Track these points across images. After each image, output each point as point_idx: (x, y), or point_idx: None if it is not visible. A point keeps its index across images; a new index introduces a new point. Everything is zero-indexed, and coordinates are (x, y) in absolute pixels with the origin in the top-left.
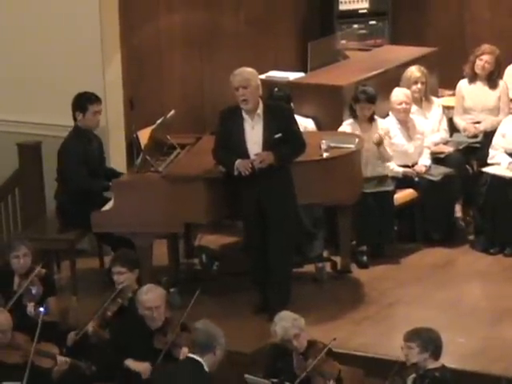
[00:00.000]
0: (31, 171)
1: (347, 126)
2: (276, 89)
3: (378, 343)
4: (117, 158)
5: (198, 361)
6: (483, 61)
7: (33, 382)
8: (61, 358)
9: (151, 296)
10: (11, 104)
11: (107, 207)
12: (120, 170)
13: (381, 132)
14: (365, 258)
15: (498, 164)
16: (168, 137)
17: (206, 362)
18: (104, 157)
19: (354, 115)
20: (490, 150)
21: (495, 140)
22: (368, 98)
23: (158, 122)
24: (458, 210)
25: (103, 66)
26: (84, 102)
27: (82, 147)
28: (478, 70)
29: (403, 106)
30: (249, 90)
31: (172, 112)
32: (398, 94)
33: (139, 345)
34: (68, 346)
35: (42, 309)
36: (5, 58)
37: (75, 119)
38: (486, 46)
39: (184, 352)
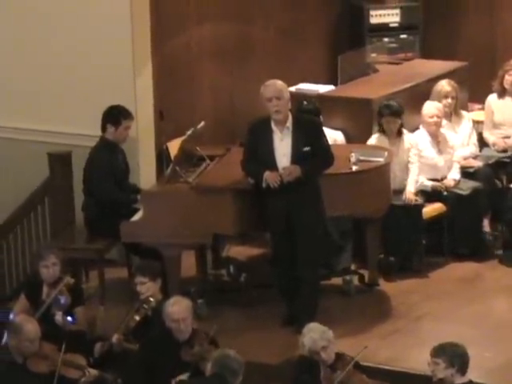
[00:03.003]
0: (61, 180)
1: (376, 138)
2: (305, 102)
3: (405, 357)
4: (146, 168)
5: (225, 379)
6: None
7: None
8: (90, 371)
9: (177, 308)
10: (42, 114)
11: (136, 217)
12: (150, 180)
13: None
14: (391, 260)
15: None
16: (197, 148)
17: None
18: (129, 170)
19: (381, 130)
20: None
21: None
22: (392, 112)
23: (188, 133)
24: (486, 225)
25: (134, 77)
26: (118, 115)
27: (108, 159)
28: (506, 85)
29: (435, 119)
30: (282, 101)
31: (202, 123)
32: (430, 108)
33: (167, 357)
34: (95, 357)
35: (69, 318)
36: (36, 70)
37: (104, 131)
38: None
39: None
